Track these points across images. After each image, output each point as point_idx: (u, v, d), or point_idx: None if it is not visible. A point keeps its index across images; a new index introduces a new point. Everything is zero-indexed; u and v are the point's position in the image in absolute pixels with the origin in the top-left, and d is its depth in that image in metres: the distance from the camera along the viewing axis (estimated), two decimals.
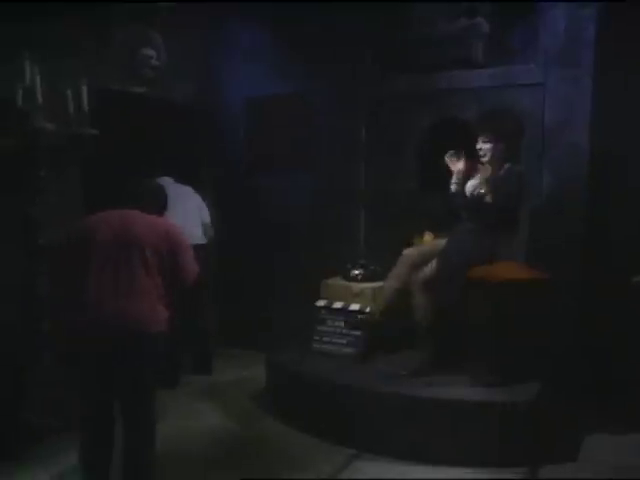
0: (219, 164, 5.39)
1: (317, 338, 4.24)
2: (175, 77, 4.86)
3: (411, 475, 3.29)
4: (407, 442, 3.46)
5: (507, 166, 3.81)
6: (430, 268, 3.80)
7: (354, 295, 4.24)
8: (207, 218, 4.71)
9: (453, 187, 3.91)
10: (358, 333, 4.11)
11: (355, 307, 4.19)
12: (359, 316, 4.14)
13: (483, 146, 3.82)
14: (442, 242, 3.94)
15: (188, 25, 4.92)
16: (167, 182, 4.23)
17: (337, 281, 4.41)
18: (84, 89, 3.75)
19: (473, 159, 3.91)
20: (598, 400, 3.83)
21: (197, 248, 3.52)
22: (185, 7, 4.74)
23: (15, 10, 3.54)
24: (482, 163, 3.84)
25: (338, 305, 4.25)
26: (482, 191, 3.78)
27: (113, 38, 4.37)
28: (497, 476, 3.24)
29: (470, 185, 3.89)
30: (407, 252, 4.03)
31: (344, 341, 4.15)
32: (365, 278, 4.33)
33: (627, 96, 4.05)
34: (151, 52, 4.54)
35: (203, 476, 3.33)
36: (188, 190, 4.70)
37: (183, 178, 4.71)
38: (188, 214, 4.49)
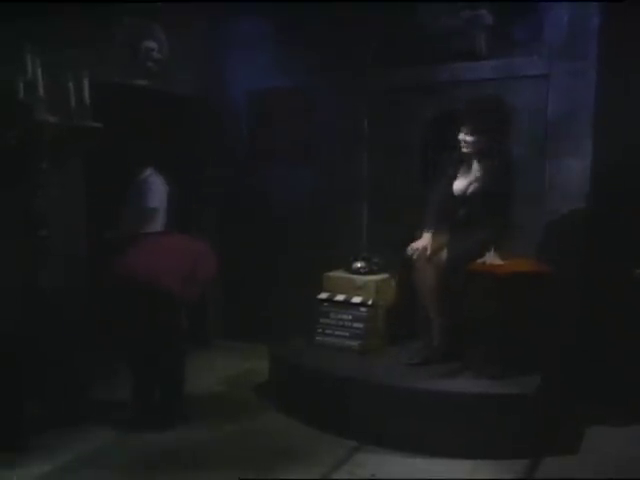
0: (220, 158, 5.38)
1: (320, 331, 4.24)
2: (177, 70, 4.85)
3: (412, 467, 3.29)
4: (408, 434, 3.47)
5: (498, 161, 3.76)
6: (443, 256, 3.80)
7: (357, 288, 4.24)
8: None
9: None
10: (361, 325, 4.12)
11: (358, 300, 4.19)
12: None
13: (466, 138, 3.75)
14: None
15: (190, 18, 4.91)
16: (151, 172, 4.61)
17: (339, 274, 4.40)
18: (86, 82, 3.74)
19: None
20: (600, 392, 3.83)
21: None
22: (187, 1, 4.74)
23: (17, 4, 3.54)
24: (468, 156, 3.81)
25: (340, 298, 4.25)
26: (474, 190, 3.77)
27: (115, 31, 4.36)
28: (498, 468, 3.25)
29: (460, 183, 3.87)
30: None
31: (346, 333, 4.15)
32: (367, 271, 4.32)
33: (631, 89, 4.03)
34: (153, 45, 4.53)
35: (206, 467, 3.34)
36: (161, 180, 4.72)
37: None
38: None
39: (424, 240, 3.86)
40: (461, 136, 3.78)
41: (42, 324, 3.63)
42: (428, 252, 3.80)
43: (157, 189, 4.58)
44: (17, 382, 3.53)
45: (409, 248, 3.86)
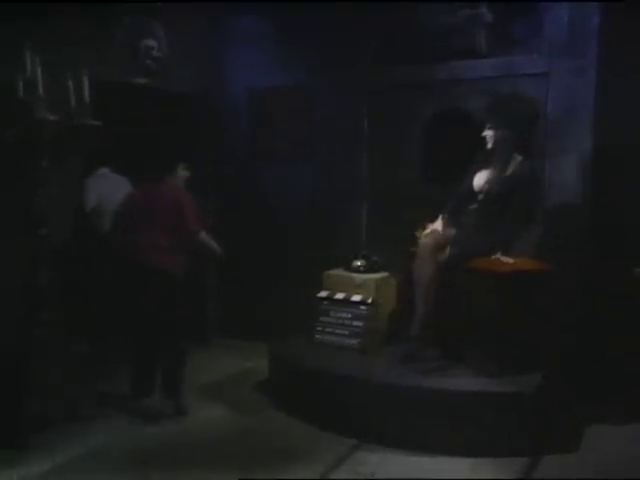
0: (220, 155, 5.38)
1: (319, 329, 4.24)
2: (177, 68, 4.85)
3: (412, 465, 3.29)
4: (408, 432, 3.47)
5: (519, 160, 3.77)
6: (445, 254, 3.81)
7: (356, 286, 4.24)
8: None
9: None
10: (360, 324, 4.12)
11: (357, 298, 4.19)
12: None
13: (487, 133, 3.81)
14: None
15: (190, 16, 4.91)
16: (104, 172, 4.69)
17: (339, 272, 4.40)
18: (85, 80, 3.74)
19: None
20: (599, 391, 3.82)
21: None
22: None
23: (17, 4, 3.54)
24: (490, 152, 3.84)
25: (340, 296, 4.25)
26: (493, 187, 3.76)
27: (114, 29, 4.36)
28: (498, 466, 3.25)
29: (479, 179, 3.87)
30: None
31: (346, 332, 4.15)
32: (367, 269, 4.32)
33: (631, 87, 4.03)
34: (152, 43, 4.54)
35: (206, 467, 3.33)
36: (124, 180, 4.75)
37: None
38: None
39: (436, 224, 3.92)
40: (485, 131, 3.81)
41: (42, 322, 3.62)
42: (440, 233, 3.86)
43: (95, 190, 4.62)
44: (17, 381, 3.53)
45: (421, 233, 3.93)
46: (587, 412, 3.78)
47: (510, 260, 3.64)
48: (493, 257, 3.67)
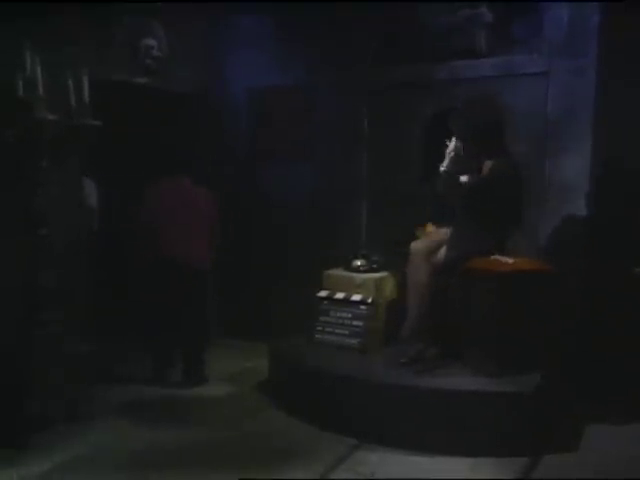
0: (220, 155, 5.38)
1: (319, 329, 4.25)
2: (177, 67, 4.85)
3: (411, 465, 3.29)
4: (408, 432, 3.46)
5: (490, 164, 3.74)
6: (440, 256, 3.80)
7: (356, 286, 4.24)
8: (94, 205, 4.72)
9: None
10: (360, 323, 4.11)
11: (357, 298, 4.19)
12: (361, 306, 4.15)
13: (457, 144, 3.72)
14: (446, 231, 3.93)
15: (190, 16, 4.91)
16: None
17: (339, 272, 4.40)
18: (85, 80, 3.74)
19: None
20: (600, 391, 3.82)
21: None
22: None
23: (17, 3, 3.54)
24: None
25: (340, 296, 4.25)
26: (469, 192, 3.76)
27: (114, 29, 4.36)
28: (498, 466, 3.24)
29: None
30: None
31: (346, 332, 4.15)
32: (367, 269, 4.33)
33: (631, 87, 4.02)
34: (152, 42, 4.54)
35: (206, 467, 3.33)
36: (91, 184, 4.70)
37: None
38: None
39: (427, 228, 3.94)
40: (453, 140, 3.76)
41: (42, 322, 3.62)
42: (430, 240, 3.84)
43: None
44: (17, 381, 3.53)
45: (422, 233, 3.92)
46: (587, 412, 3.77)
47: (510, 260, 3.64)
48: (492, 257, 3.67)
